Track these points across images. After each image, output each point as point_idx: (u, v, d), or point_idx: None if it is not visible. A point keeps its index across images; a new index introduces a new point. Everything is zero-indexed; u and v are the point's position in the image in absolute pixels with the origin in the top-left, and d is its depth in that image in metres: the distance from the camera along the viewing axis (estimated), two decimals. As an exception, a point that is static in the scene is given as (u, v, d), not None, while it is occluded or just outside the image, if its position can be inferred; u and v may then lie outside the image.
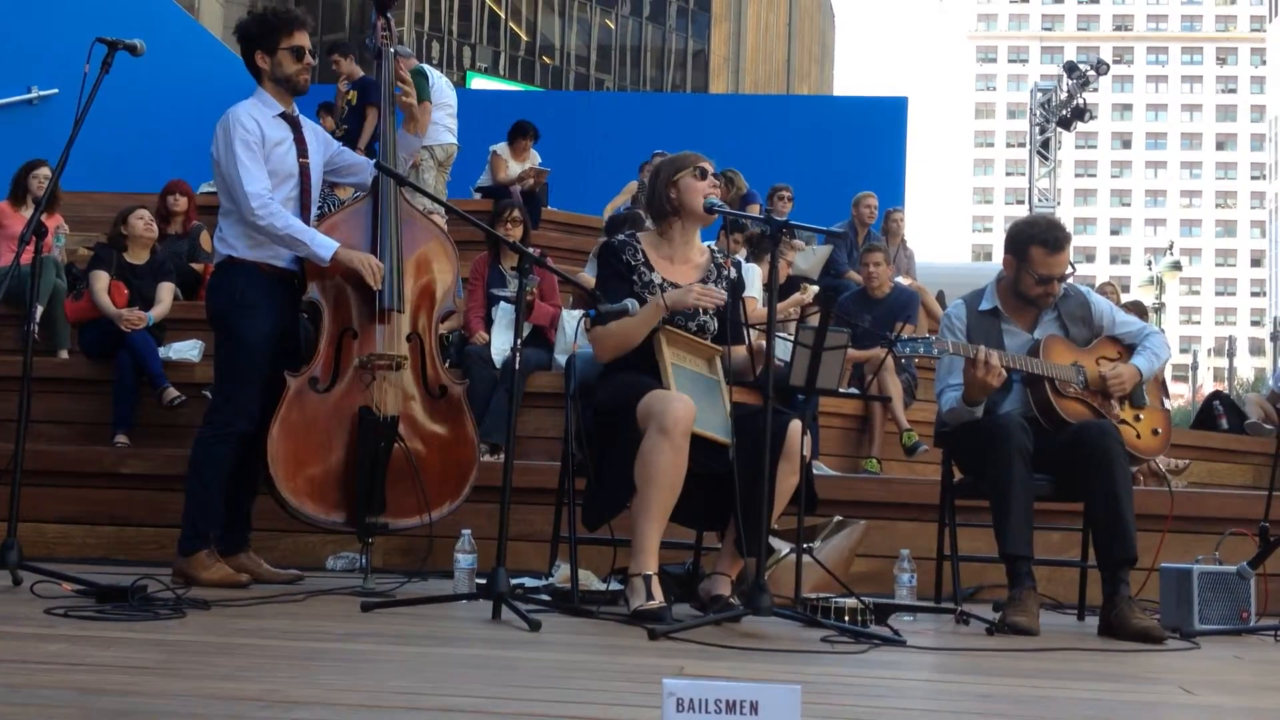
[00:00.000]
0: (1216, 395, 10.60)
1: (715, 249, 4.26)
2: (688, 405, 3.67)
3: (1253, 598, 4.31)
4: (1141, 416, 4.42)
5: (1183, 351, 65.30)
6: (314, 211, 4.52)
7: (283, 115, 4.45)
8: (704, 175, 4.03)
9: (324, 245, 4.34)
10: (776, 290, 3.59)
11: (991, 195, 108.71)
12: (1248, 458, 8.97)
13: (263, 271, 4.40)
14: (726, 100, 23.62)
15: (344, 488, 4.37)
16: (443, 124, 9.69)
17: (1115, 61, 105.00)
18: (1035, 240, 4.31)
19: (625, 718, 2.16)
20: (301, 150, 4.45)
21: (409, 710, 2.18)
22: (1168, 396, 4.83)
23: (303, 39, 4.47)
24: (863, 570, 5.10)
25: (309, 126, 4.56)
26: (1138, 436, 4.37)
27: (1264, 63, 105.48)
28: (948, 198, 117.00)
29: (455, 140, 9.96)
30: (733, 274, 4.14)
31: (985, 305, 4.47)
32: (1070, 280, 4.47)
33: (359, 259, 4.37)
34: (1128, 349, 4.47)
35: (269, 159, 4.36)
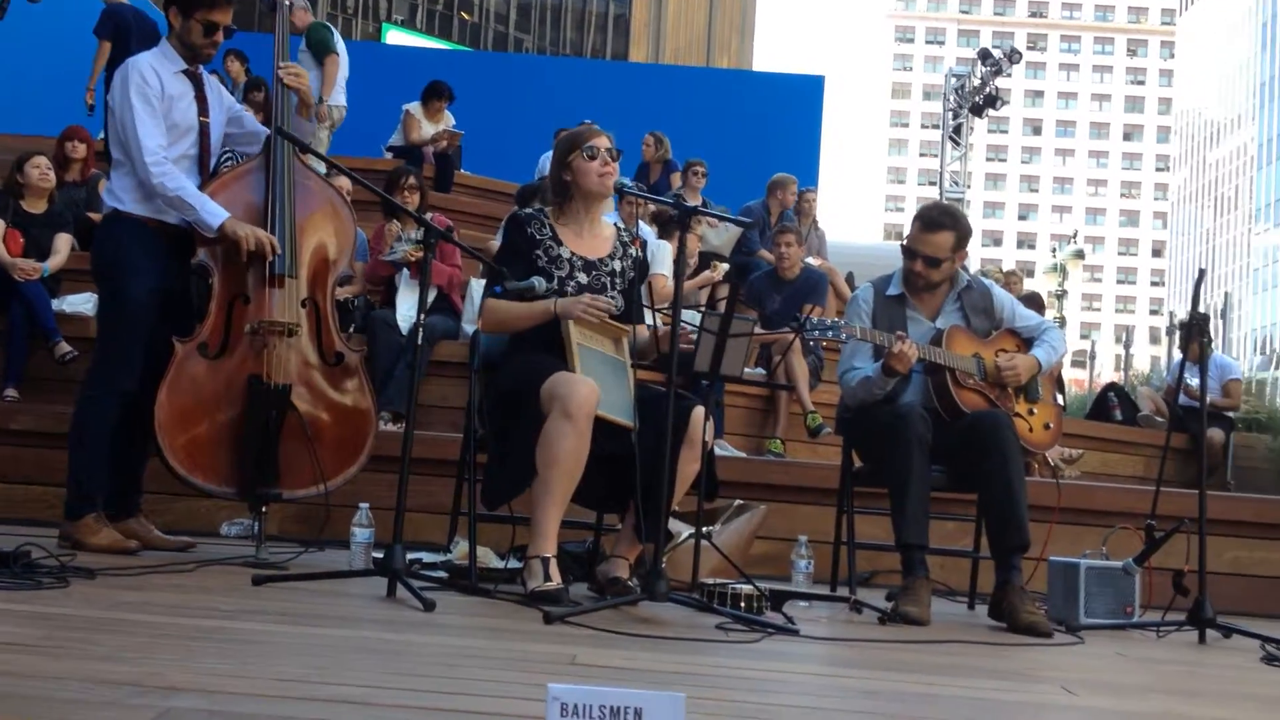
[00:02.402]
0: (1111, 387, 10.85)
1: (622, 228, 4.24)
2: (592, 389, 3.65)
3: (1137, 593, 4.42)
4: (1035, 410, 4.50)
5: (1083, 338, 66.78)
6: (211, 169, 4.41)
7: (185, 72, 4.32)
8: (594, 155, 3.99)
9: (213, 214, 4.21)
10: (684, 274, 3.57)
11: (905, 175, 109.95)
12: (1139, 449, 9.19)
13: (150, 227, 4.26)
14: (646, 70, 23.54)
15: (234, 457, 4.27)
16: (339, 85, 9.56)
17: (1029, 48, 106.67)
18: (918, 215, 4.49)
19: (512, 711, 2.14)
20: (202, 108, 4.33)
21: (291, 700, 2.14)
22: (1061, 393, 4.93)
23: (222, 16, 4.32)
24: (763, 552, 5.14)
25: (211, 84, 4.44)
26: (1030, 430, 4.45)
27: (1173, 56, 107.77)
28: (862, 176, 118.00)
29: (345, 104, 9.80)
30: (637, 253, 4.12)
31: (892, 290, 4.52)
32: (963, 270, 4.56)
33: (246, 232, 4.24)
34: (1026, 342, 4.55)
35: (169, 113, 4.23)
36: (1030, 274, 62.92)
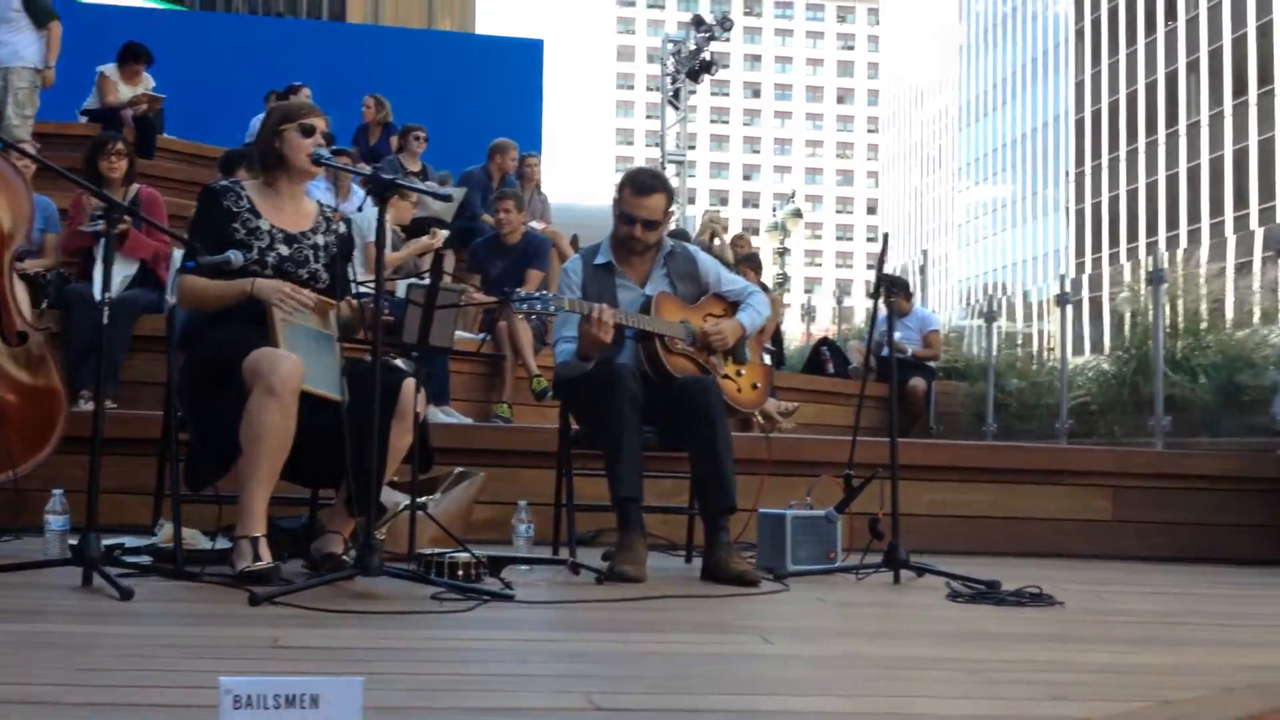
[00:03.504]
0: (824, 341, 11.36)
1: (323, 204, 4.15)
2: (296, 364, 3.56)
3: (839, 539, 4.67)
4: (743, 372, 4.66)
5: (806, 292, 69.50)
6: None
7: None
8: (310, 132, 3.89)
9: None
10: (384, 245, 3.51)
11: (633, 137, 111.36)
12: (852, 400, 9.61)
13: None
14: (364, 31, 22.97)
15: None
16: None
17: (746, 13, 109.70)
18: (626, 181, 4.55)
19: (200, 703, 2.08)
20: None
21: (-40, 707, 2.02)
22: (780, 349, 5.12)
23: None
24: (486, 518, 5.15)
25: None
26: (739, 390, 4.61)
27: (879, 23, 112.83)
28: (591, 138, 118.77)
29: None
30: (341, 229, 4.04)
31: (600, 259, 4.59)
32: (667, 237, 4.66)
33: None
34: (732, 306, 4.69)
35: None
36: (755, 232, 65.21)
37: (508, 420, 7.38)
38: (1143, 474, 6.43)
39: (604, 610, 3.44)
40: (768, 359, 4.96)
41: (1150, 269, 8.12)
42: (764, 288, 10.17)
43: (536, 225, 9.31)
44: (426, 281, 3.77)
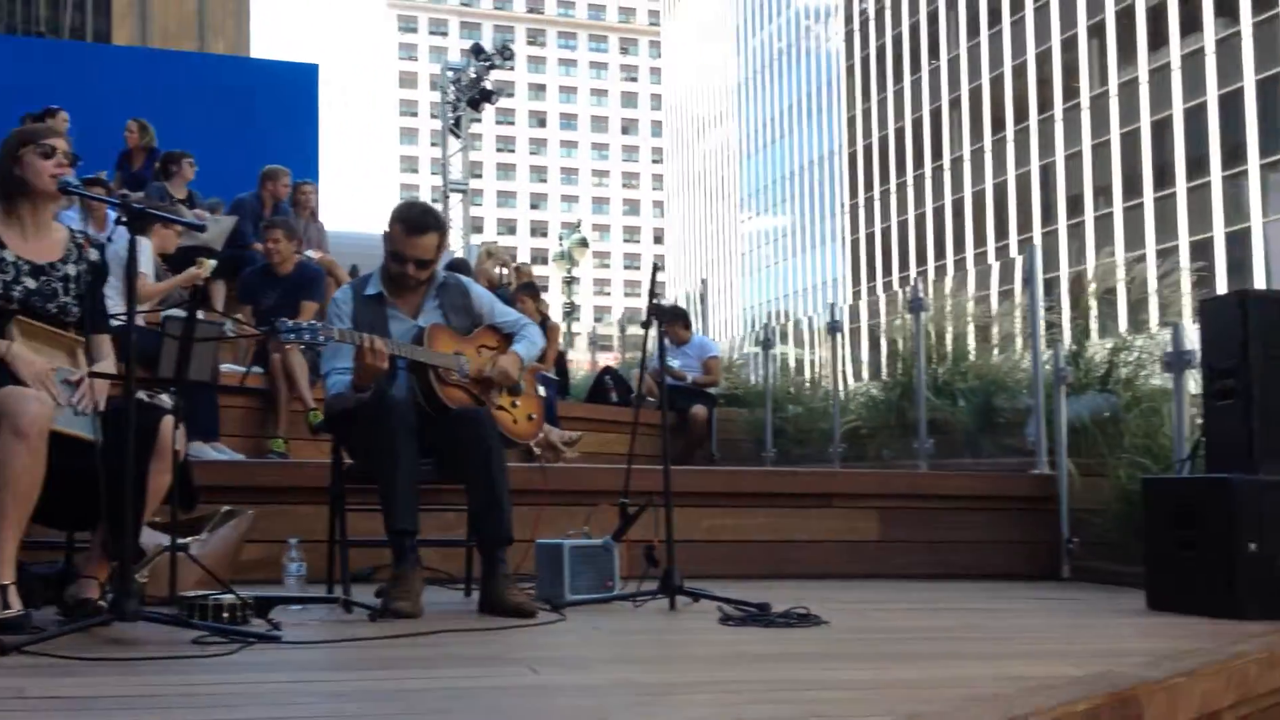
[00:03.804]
0: (608, 370, 11.46)
1: (75, 230, 3.97)
2: (44, 403, 3.39)
3: (616, 567, 4.72)
4: (518, 403, 4.67)
5: (596, 320, 70.06)
6: None
7: None
8: (50, 154, 3.72)
9: None
10: (134, 277, 3.39)
11: (417, 164, 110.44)
12: (635, 428, 9.73)
13: None
14: (130, 53, 22.09)
15: None
16: None
17: (530, 42, 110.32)
18: (398, 219, 4.50)
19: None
20: None
21: None
22: (552, 381, 5.15)
23: None
24: (257, 557, 4.99)
25: None
26: (514, 422, 4.62)
27: (660, 55, 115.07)
28: (375, 165, 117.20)
29: None
30: (94, 256, 3.87)
31: (371, 290, 4.54)
32: (438, 270, 4.64)
33: None
34: (506, 337, 4.70)
35: None
36: (545, 261, 65.27)
37: (283, 455, 7.19)
38: (906, 495, 6.71)
39: (374, 648, 3.39)
40: (542, 390, 4.98)
41: (910, 297, 8.47)
42: (544, 316, 10.23)
43: (313, 254, 9.13)
44: (184, 314, 3.65)
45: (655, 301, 4.63)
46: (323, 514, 4.69)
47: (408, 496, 4.15)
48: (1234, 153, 37.57)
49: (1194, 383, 5.63)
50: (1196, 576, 4.61)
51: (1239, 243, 37.39)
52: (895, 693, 2.74)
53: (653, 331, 4.73)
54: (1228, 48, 38.22)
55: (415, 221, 4.48)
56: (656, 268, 4.83)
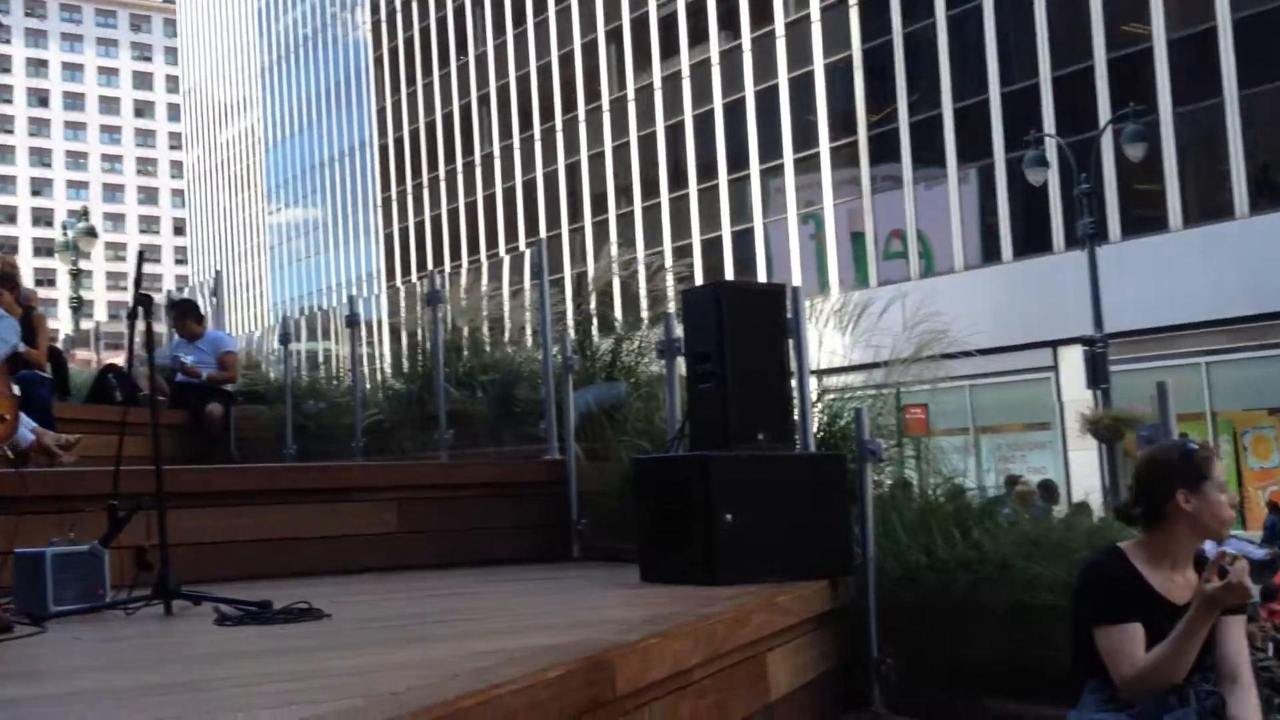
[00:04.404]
0: (110, 368, 10.79)
1: None
2: None
3: (107, 574, 4.45)
4: (-14, 404, 4.32)
5: (112, 317, 65.51)
6: None
7: None
8: None
9: None
10: None
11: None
12: (143, 429, 9.22)
13: None
14: None
15: None
16: None
17: (28, 14, 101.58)
18: None
19: None
20: None
21: None
22: (48, 380, 4.80)
23: None
24: None
25: None
26: (-16, 424, 4.27)
27: (176, 35, 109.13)
28: None
29: None
30: None
31: None
32: None
33: None
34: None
35: None
36: (51, 252, 60.29)
37: None
38: (424, 485, 6.80)
39: None
40: (18, 389, 4.63)
41: (427, 290, 8.58)
42: (29, 308, 9.46)
43: None
44: None
45: (143, 291, 4.40)
46: None
47: None
48: (738, 158, 40.56)
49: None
50: (681, 548, 4.97)
51: (744, 241, 40.44)
52: (376, 676, 2.78)
53: (140, 325, 4.50)
54: (730, 60, 41.24)
55: None
56: (142, 256, 4.61)
